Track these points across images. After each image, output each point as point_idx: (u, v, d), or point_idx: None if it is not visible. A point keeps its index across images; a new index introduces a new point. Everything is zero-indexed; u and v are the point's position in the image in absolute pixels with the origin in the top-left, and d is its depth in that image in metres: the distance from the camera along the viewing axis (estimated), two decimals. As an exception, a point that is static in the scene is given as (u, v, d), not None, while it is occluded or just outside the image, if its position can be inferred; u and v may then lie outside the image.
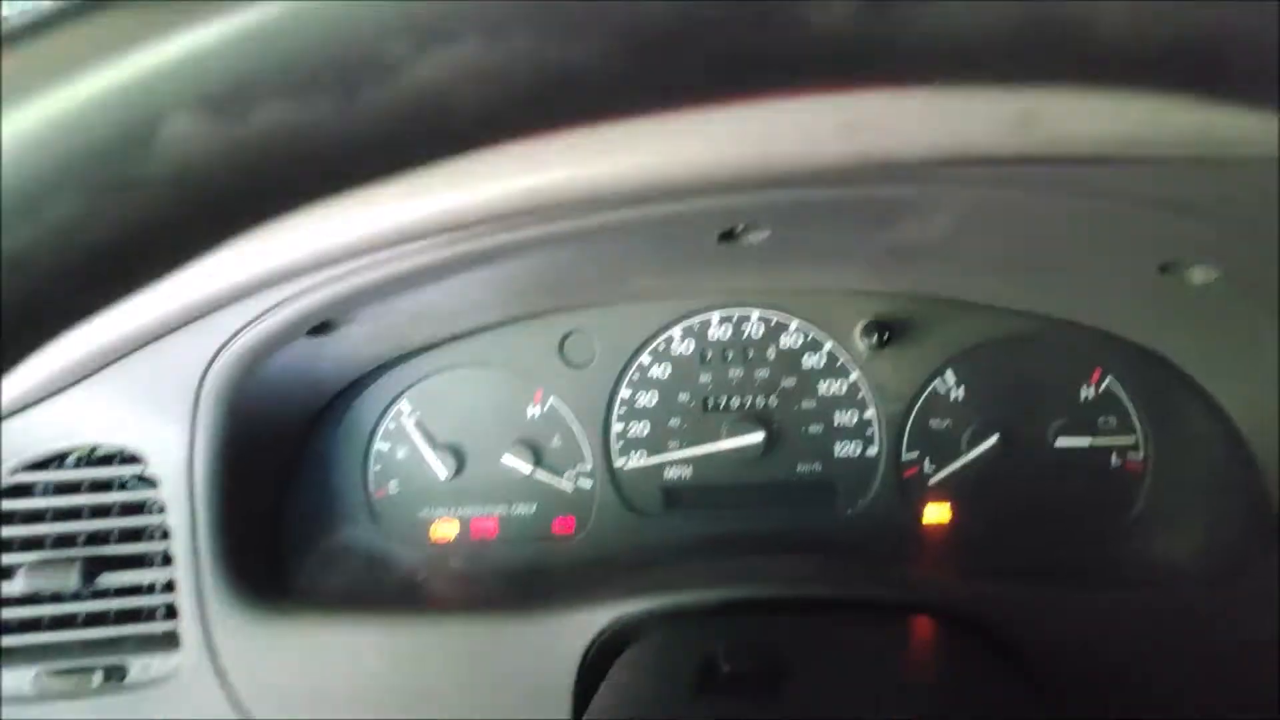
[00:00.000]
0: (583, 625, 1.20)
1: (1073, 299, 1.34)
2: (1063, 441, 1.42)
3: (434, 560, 1.49)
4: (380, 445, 1.51)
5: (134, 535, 1.29)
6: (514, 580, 1.45)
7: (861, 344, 1.42)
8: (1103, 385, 1.43)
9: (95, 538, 1.29)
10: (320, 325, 1.17)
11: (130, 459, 1.27)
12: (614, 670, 1.05)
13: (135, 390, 1.21)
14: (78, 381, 1.21)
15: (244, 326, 1.12)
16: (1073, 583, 1.31)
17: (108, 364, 1.19)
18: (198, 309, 1.09)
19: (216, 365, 1.17)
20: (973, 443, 1.43)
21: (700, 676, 0.90)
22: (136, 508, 1.29)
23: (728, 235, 1.06)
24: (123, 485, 1.29)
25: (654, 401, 1.48)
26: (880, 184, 0.93)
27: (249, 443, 1.28)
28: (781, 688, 0.88)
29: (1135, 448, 1.44)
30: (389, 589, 1.43)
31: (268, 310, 1.10)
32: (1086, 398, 1.44)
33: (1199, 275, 1.08)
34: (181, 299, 1.08)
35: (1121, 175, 0.89)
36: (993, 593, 1.24)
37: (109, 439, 1.25)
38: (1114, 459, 1.44)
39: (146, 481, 1.27)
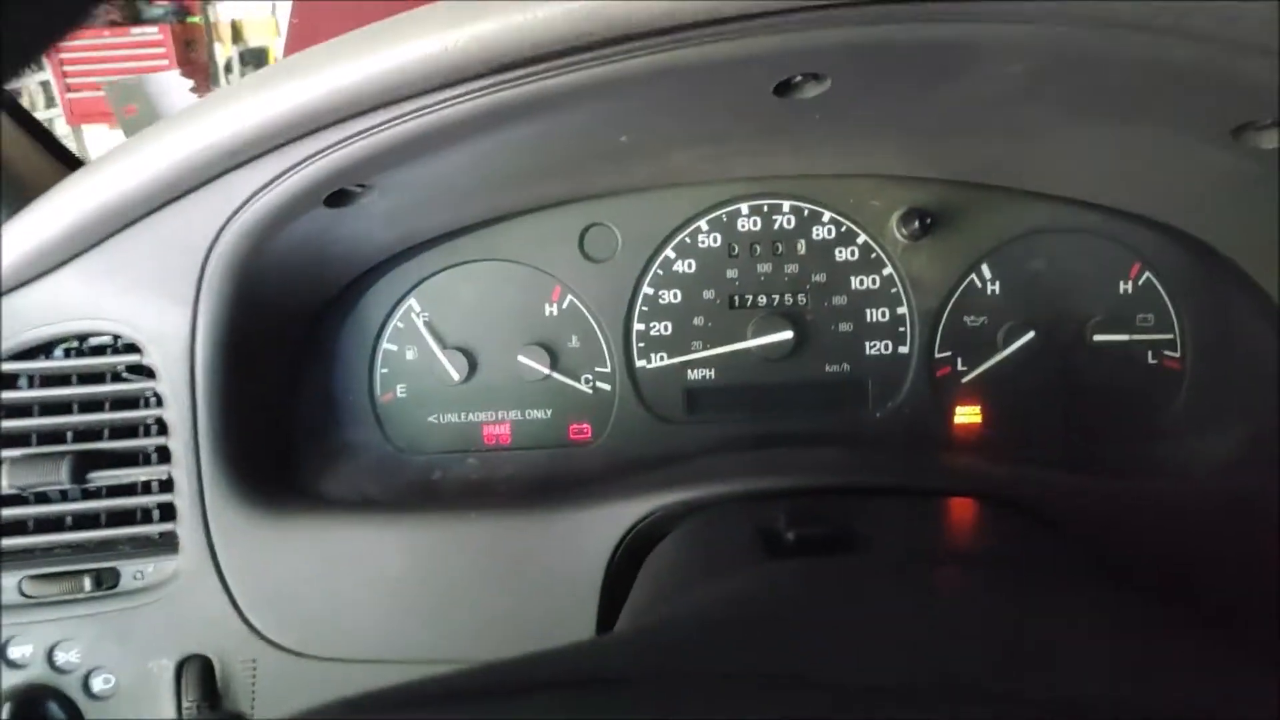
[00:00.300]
0: (614, 518, 1.13)
1: (1119, 182, 1.29)
2: (1100, 338, 1.37)
3: (447, 463, 1.41)
4: (388, 346, 1.42)
5: (128, 431, 1.19)
6: (530, 486, 1.37)
7: (898, 234, 1.36)
8: (1141, 280, 1.39)
9: (86, 433, 1.19)
10: (338, 195, 1.08)
11: (126, 347, 1.17)
12: (663, 550, 0.98)
13: (132, 269, 1.11)
14: (67, 260, 1.11)
15: (257, 192, 1.03)
16: (1107, 476, 1.27)
17: (102, 239, 1.09)
18: (206, 166, 1.00)
19: (224, 238, 1.08)
20: (1008, 340, 1.38)
21: (767, 545, 0.84)
22: (131, 401, 1.19)
23: (784, 88, 0.99)
24: (116, 376, 1.19)
25: (678, 299, 1.41)
26: (956, 20, 0.86)
27: (256, 331, 1.19)
28: (854, 552, 0.82)
29: (1173, 345, 1.40)
30: (401, 491, 1.35)
31: (284, 173, 1.01)
32: (1125, 293, 1.39)
33: (1270, 140, 1.03)
34: (188, 151, 0.99)
35: (1205, 10, 0.83)
36: (1029, 478, 1.19)
37: (102, 325, 1.15)
38: (1150, 357, 1.40)
39: (143, 372, 1.18)
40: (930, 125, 1.15)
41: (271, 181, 1.02)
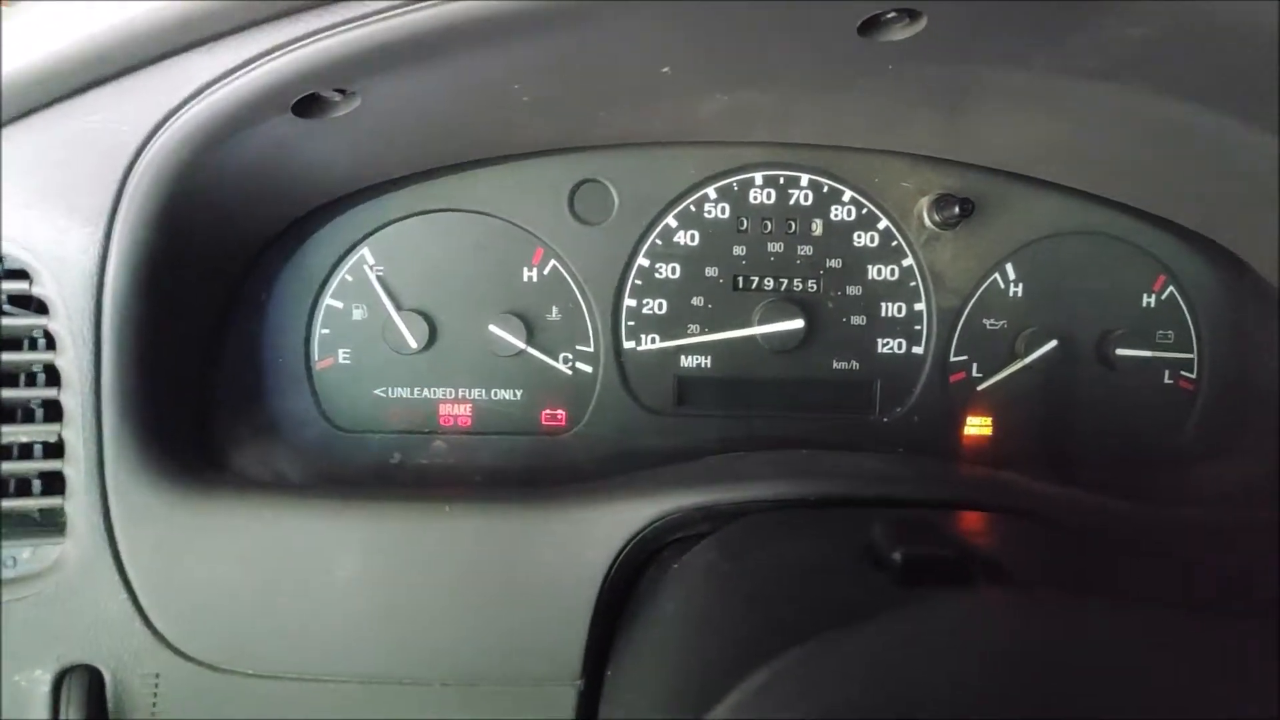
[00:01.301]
0: (620, 519, 0.95)
1: (1164, 184, 1.20)
2: (1122, 352, 1.28)
3: (407, 445, 1.21)
4: (332, 302, 1.20)
5: (7, 379, 0.94)
6: (508, 477, 1.18)
7: (929, 220, 1.23)
8: (1164, 294, 1.30)
9: (-49, 378, 0.94)
10: (309, 100, 0.87)
11: (11, 273, 0.92)
12: (710, 566, 0.81)
13: (28, 172, 0.87)
14: (-57, 153, 0.86)
15: (213, 82, 0.81)
16: (1118, 498, 1.17)
17: (-5, 126, 0.85)
18: (148, 40, 0.78)
19: (159, 141, 0.85)
20: (1029, 348, 1.27)
21: (880, 567, 0.68)
22: (13, 341, 0.94)
23: (871, 25, 0.84)
24: (-4, 309, 0.94)
25: (676, 274, 1.24)
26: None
27: (182, 264, 0.96)
28: (974, 574, 0.67)
29: (1190, 366, 1.32)
30: (346, 476, 1.14)
31: (251, 60, 0.79)
32: (1147, 306, 1.30)
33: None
34: (125, 16, 0.76)
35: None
36: (1043, 495, 1.07)
37: (-18, 241, 0.90)
38: (1167, 376, 1.32)
39: (31, 305, 0.93)
40: (998, 96, 1.02)
41: (234, 70, 0.80)
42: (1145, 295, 1.30)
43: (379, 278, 1.20)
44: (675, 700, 0.69)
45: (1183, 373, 1.32)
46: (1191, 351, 1.31)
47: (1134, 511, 1.10)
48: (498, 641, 0.94)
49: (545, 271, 1.23)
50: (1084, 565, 0.80)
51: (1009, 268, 1.27)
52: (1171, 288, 1.30)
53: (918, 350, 1.28)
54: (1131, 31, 0.84)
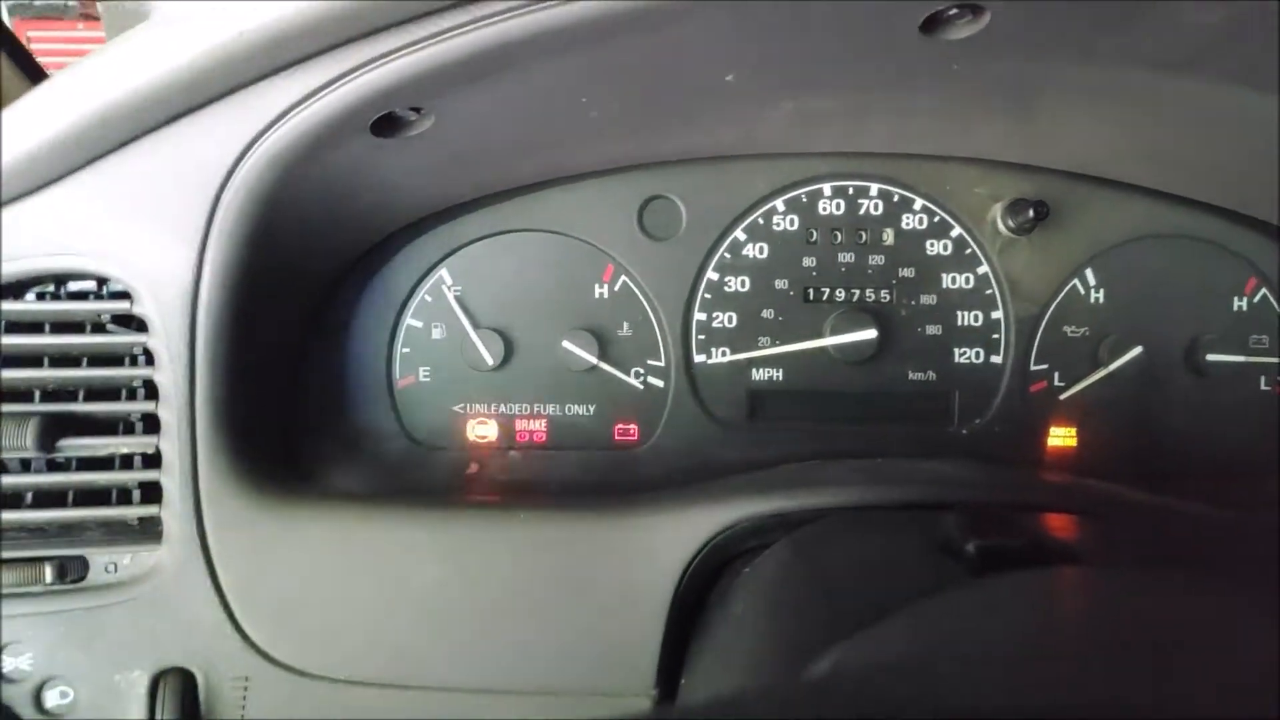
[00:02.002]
0: (692, 525, 0.95)
1: (1250, 182, 1.16)
2: (1212, 358, 1.23)
3: (482, 458, 1.23)
4: (412, 321, 1.24)
5: (110, 393, 1.00)
6: (581, 489, 1.19)
7: (1003, 226, 1.21)
8: (1256, 297, 1.25)
9: (58, 393, 0.99)
10: (386, 120, 0.91)
11: (113, 294, 0.98)
12: (783, 566, 0.81)
13: (127, 197, 0.92)
14: (46, 183, 0.92)
15: (295, 106, 0.85)
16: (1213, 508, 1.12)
17: (91, 158, 0.90)
18: (233, 69, 0.82)
19: (247, 164, 0.89)
20: (1113, 355, 1.23)
21: (954, 558, 0.67)
22: (115, 358, 1.00)
23: (933, 23, 0.84)
24: (99, 327, 1.00)
25: (746, 287, 1.25)
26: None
27: (270, 285, 1.01)
28: (1050, 562, 0.66)
29: (1288, 371, 1.26)
30: (425, 488, 1.17)
31: (330, 83, 0.83)
32: (1239, 310, 1.26)
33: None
34: (209, 47, 0.81)
35: None
36: (1132, 503, 1.03)
37: (85, 264, 0.96)
38: (1263, 382, 1.26)
39: (132, 324, 0.99)
40: (1068, 94, 1.01)
41: (315, 93, 0.84)
42: (1236, 299, 1.26)
43: (457, 297, 1.24)
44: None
45: (1280, 378, 1.27)
46: (1289, 356, 1.26)
47: (1228, 519, 1.06)
48: (572, 651, 0.94)
49: (616, 287, 1.24)
50: (1166, 556, 0.77)
51: (1089, 273, 1.24)
52: (1264, 290, 1.25)
53: (996, 359, 1.25)
54: (1205, 18, 0.82)
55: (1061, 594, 0.56)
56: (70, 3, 5.97)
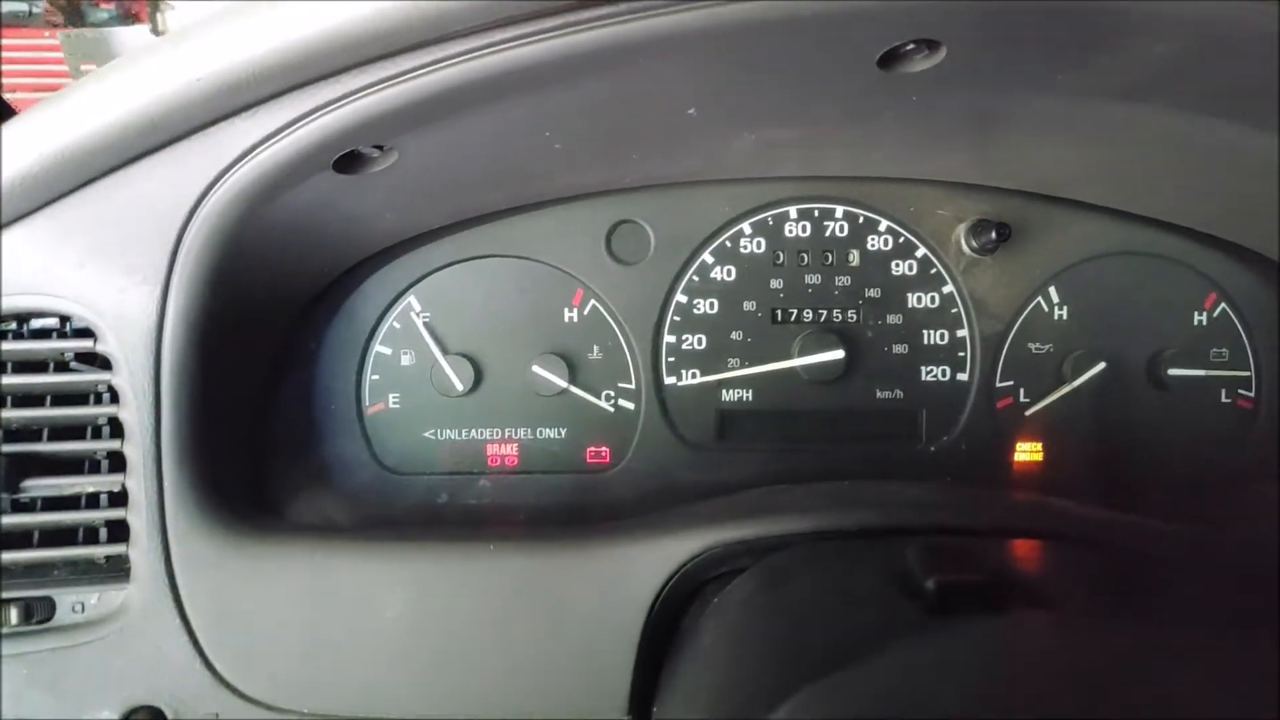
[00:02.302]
0: (662, 554, 0.95)
1: (1209, 201, 1.18)
2: (1174, 372, 1.25)
3: (453, 486, 1.23)
4: (381, 349, 1.24)
5: (74, 432, 0.99)
6: (551, 515, 1.20)
7: (966, 246, 1.22)
8: (1216, 311, 1.28)
9: (21, 432, 0.99)
10: (349, 156, 0.91)
11: (77, 332, 0.98)
12: (748, 598, 0.82)
13: (90, 236, 0.92)
14: (12, 221, 0.92)
15: (258, 145, 0.85)
16: (1178, 521, 1.13)
17: (54, 197, 0.90)
18: (195, 108, 0.82)
19: (210, 202, 0.89)
20: (1077, 371, 1.25)
21: (911, 596, 0.68)
22: (80, 396, 0.99)
23: (890, 58, 0.85)
24: (63, 366, 0.99)
25: (714, 309, 1.26)
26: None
27: (235, 321, 1.00)
28: (1010, 603, 0.67)
29: (1248, 384, 1.28)
30: (395, 517, 1.17)
31: (293, 122, 0.83)
32: (1199, 324, 1.28)
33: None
34: (172, 87, 0.81)
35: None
36: (1096, 521, 1.05)
37: (49, 303, 0.95)
38: (1224, 395, 1.29)
39: (96, 361, 0.98)
40: (1028, 121, 1.02)
41: (276, 133, 0.85)
42: (1196, 313, 1.28)
43: (425, 324, 1.24)
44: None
45: (1240, 391, 1.28)
46: (1248, 369, 1.28)
47: (1192, 535, 1.07)
48: (545, 679, 0.95)
49: (585, 312, 1.25)
50: (1128, 589, 0.78)
51: (1052, 291, 1.26)
52: (1223, 305, 1.27)
53: (962, 377, 1.27)
54: (1156, 49, 0.84)
55: (1017, 646, 0.57)
56: (35, 10, 5.89)
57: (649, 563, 0.95)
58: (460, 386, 1.23)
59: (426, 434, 1.25)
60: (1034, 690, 0.55)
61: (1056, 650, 0.59)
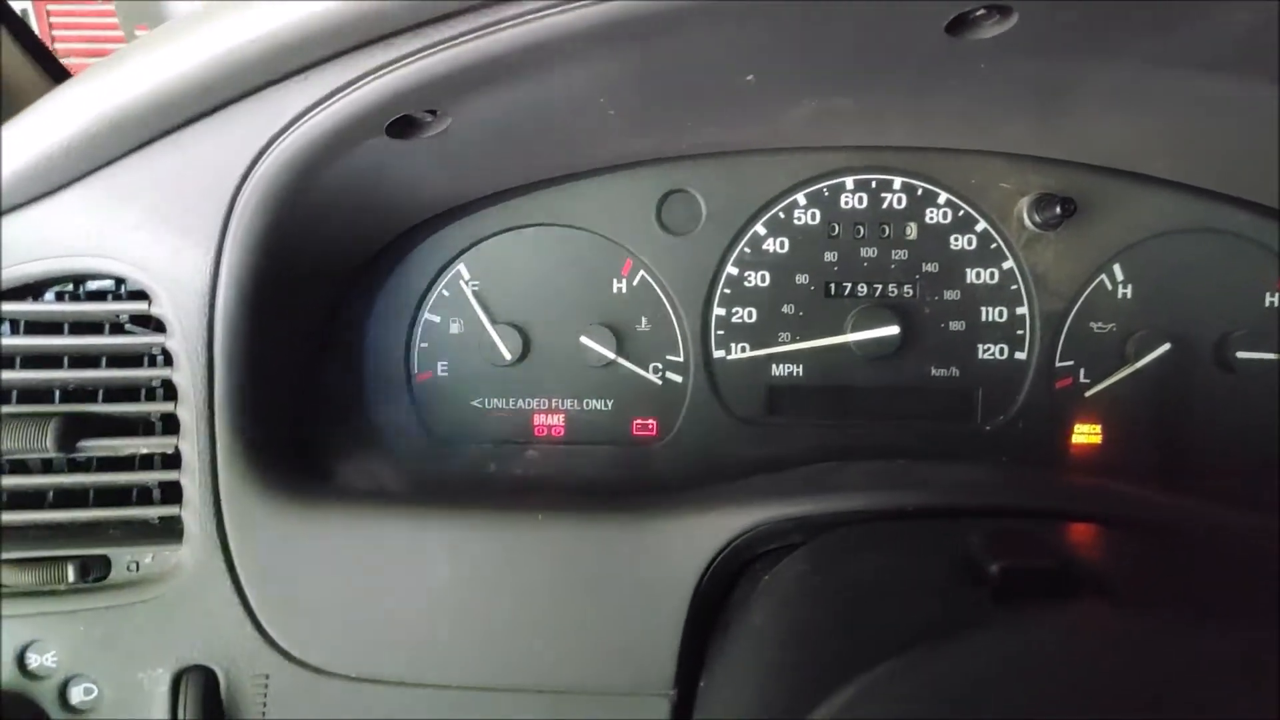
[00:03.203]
0: (711, 529, 0.94)
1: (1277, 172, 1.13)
2: (1242, 355, 1.21)
3: (501, 455, 1.23)
4: (430, 317, 1.24)
5: (129, 393, 1.00)
6: (599, 486, 1.19)
7: (1029, 221, 1.19)
8: (1290, 292, 1.23)
9: (78, 393, 1.00)
10: (402, 122, 0.90)
11: (132, 294, 0.98)
12: (801, 578, 0.80)
13: (145, 199, 0.92)
14: (65, 184, 0.92)
15: (310, 109, 0.84)
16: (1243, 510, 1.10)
17: (109, 159, 0.90)
18: (249, 72, 0.82)
19: (263, 166, 0.89)
20: (1140, 351, 1.21)
21: (973, 580, 0.66)
22: (134, 358, 1.00)
23: (960, 24, 0.82)
24: (118, 328, 1.00)
25: (766, 282, 1.23)
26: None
27: (287, 285, 1.00)
28: (1077, 588, 0.65)
29: (1322, 367, 1.24)
30: (443, 485, 1.17)
31: (345, 86, 0.82)
32: (1270, 306, 1.23)
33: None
34: (225, 49, 0.80)
35: None
36: (1159, 505, 1.01)
37: (104, 265, 0.96)
38: (1295, 379, 1.24)
39: (150, 324, 0.99)
40: (1098, 91, 0.98)
41: (330, 96, 0.83)
42: (1268, 294, 1.23)
43: (474, 292, 1.23)
44: (766, 715, 0.68)
45: (1312, 376, 1.24)
46: (1323, 351, 1.23)
47: (1256, 522, 1.04)
48: (591, 650, 0.94)
49: (635, 282, 1.23)
50: (1196, 579, 0.76)
51: (1116, 268, 1.22)
52: (1298, 284, 1.23)
53: (1021, 355, 1.24)
54: (1240, 17, 0.80)
55: (1084, 640, 0.55)
56: (88, -27, 5.94)
57: (697, 538, 0.94)
58: (508, 356, 1.22)
59: (474, 402, 1.25)
60: (1099, 683, 0.53)
61: (1121, 643, 0.57)
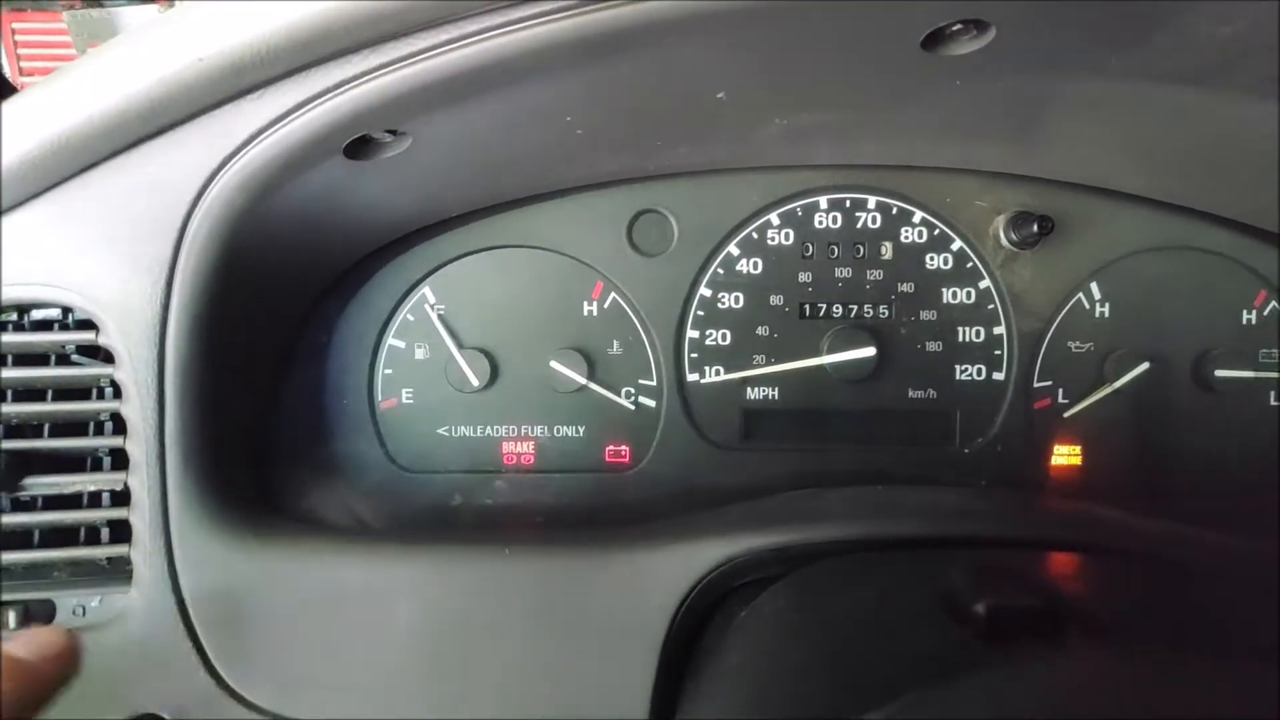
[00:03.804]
0: (685, 562, 0.91)
1: (1261, 194, 1.11)
2: (1221, 373, 1.19)
3: (467, 486, 1.19)
4: (394, 342, 1.20)
5: (76, 428, 0.96)
6: (569, 517, 1.15)
7: (1005, 240, 1.17)
8: (1266, 310, 1.22)
9: (21, 428, 0.95)
10: (360, 142, 0.86)
11: (78, 324, 0.94)
12: (779, 614, 0.77)
13: (91, 223, 0.88)
14: (12, 207, 0.88)
15: (265, 129, 0.81)
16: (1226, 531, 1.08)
17: (53, 183, 0.86)
18: (199, 90, 0.78)
19: (215, 189, 0.85)
20: (1119, 371, 1.19)
21: (958, 619, 0.64)
22: (81, 391, 0.95)
23: (935, 39, 0.79)
24: (64, 359, 0.96)
25: (740, 304, 1.21)
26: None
27: (242, 312, 0.96)
28: (1064, 628, 0.62)
29: (1299, 386, 1.23)
30: (408, 517, 1.13)
31: (301, 105, 0.79)
32: (1248, 323, 1.22)
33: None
34: (175, 68, 0.76)
35: None
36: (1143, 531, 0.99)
37: (49, 294, 0.91)
38: (1273, 398, 1.23)
39: (98, 355, 0.94)
40: (1075, 107, 0.97)
41: (284, 116, 0.80)
42: (1245, 312, 1.22)
43: (440, 316, 1.19)
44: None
45: (1290, 394, 1.23)
46: (1300, 370, 1.23)
47: (1239, 545, 1.02)
48: (563, 687, 0.90)
49: (605, 305, 1.20)
50: (1185, 613, 0.73)
51: (1094, 287, 1.20)
52: (1274, 302, 1.21)
53: (998, 376, 1.21)
54: (1221, 30, 0.78)
55: (1072, 679, 0.52)
56: (55, -5, 5.87)
57: (672, 570, 0.90)
58: (476, 382, 1.19)
59: (441, 430, 1.21)
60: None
61: (1112, 685, 0.54)
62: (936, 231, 1.19)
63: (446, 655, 0.92)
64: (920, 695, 0.49)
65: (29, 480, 0.93)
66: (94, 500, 0.95)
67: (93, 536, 0.95)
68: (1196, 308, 1.21)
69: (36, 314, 0.95)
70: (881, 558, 0.83)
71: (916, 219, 1.19)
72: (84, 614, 0.94)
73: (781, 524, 0.91)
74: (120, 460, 0.94)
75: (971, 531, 0.90)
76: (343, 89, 0.78)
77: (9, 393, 0.94)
